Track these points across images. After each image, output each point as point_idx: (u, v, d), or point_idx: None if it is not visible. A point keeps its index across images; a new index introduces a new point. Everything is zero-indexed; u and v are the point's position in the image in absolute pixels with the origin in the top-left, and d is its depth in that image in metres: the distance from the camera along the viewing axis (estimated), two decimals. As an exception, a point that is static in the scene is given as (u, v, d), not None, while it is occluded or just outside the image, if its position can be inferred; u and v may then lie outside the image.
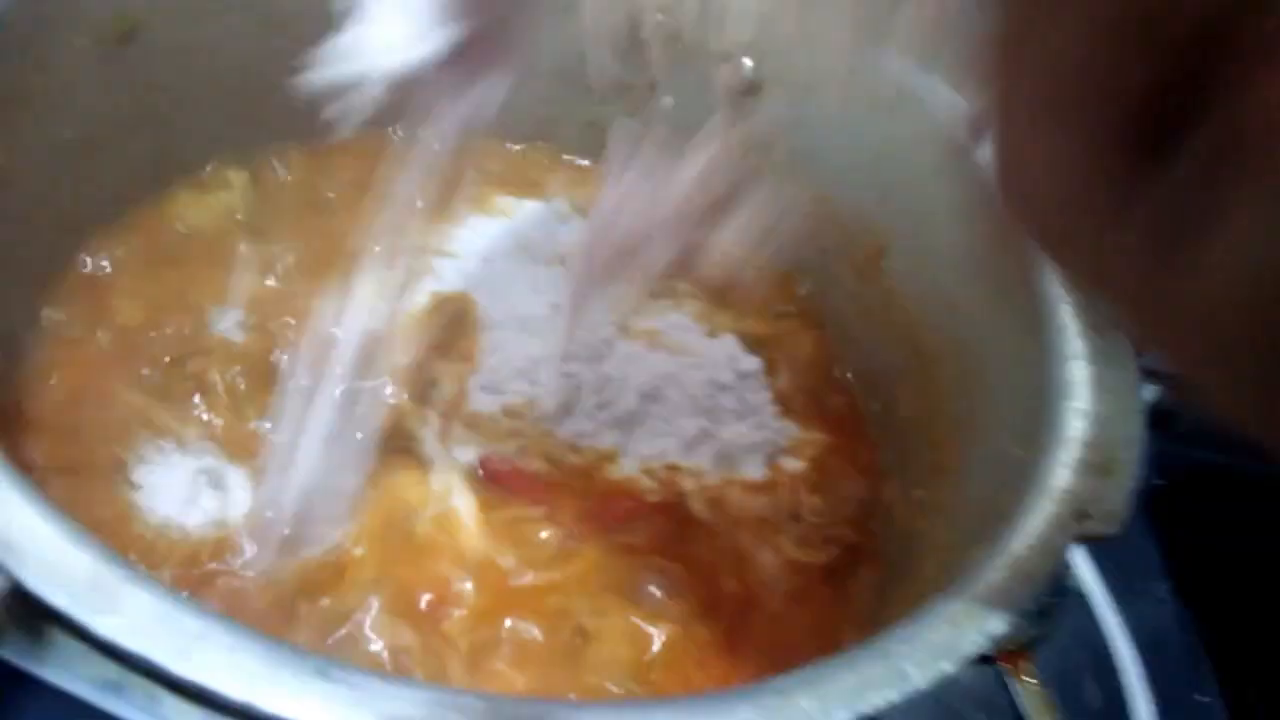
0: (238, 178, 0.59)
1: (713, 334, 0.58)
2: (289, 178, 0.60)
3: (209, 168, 0.59)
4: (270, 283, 0.55)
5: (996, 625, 0.31)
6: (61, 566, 0.26)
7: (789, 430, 0.56)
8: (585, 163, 0.68)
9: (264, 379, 0.49)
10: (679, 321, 0.57)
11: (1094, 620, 0.69)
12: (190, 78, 0.55)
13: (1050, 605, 0.64)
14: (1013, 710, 0.60)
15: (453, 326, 0.54)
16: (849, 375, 0.59)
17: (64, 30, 0.47)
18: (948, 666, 0.30)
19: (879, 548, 0.51)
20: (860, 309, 0.59)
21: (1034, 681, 0.60)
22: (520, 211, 0.63)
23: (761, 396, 0.56)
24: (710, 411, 0.54)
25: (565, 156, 0.68)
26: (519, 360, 0.52)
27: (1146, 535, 0.75)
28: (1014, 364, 0.45)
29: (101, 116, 0.51)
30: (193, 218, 0.56)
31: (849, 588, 0.50)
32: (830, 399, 0.58)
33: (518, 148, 0.68)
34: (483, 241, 0.61)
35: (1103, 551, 0.70)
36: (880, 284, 0.58)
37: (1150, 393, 0.88)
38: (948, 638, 0.30)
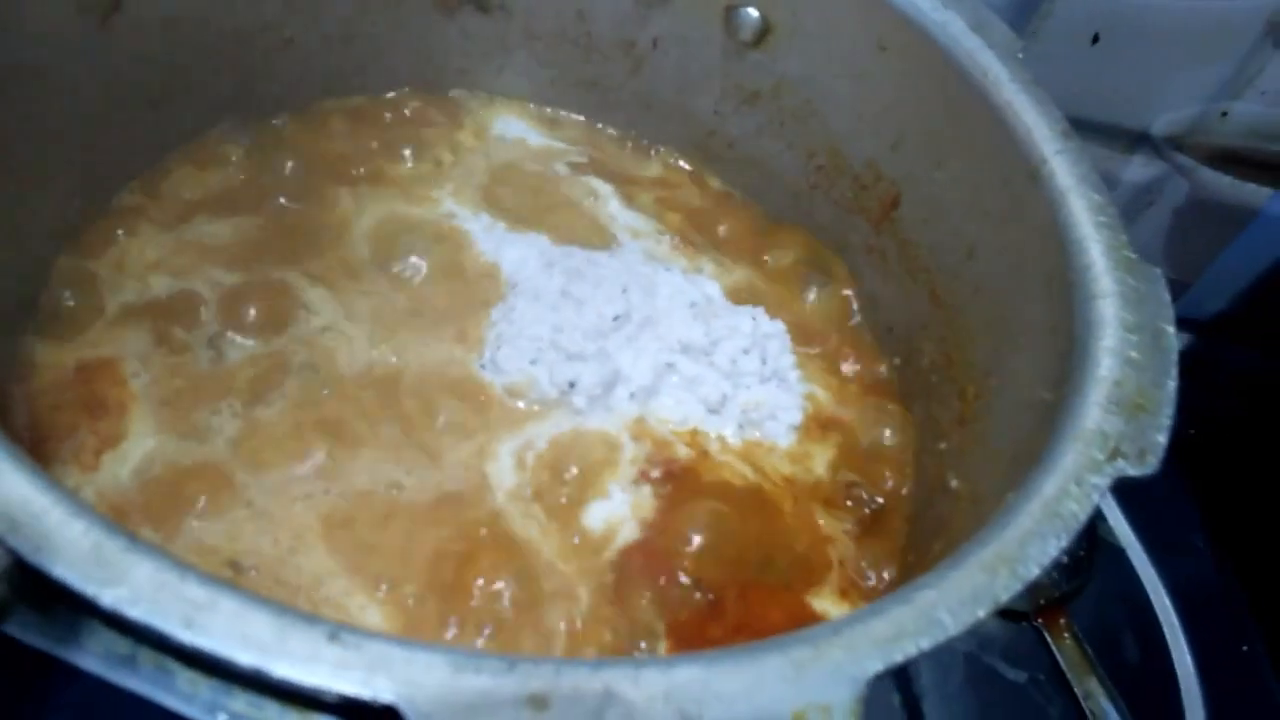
0: (235, 150, 0.58)
1: (735, 300, 0.57)
2: (285, 148, 0.59)
3: (206, 141, 0.57)
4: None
5: (1030, 569, 0.30)
6: (61, 539, 0.25)
7: (812, 391, 0.54)
8: (583, 120, 0.67)
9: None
10: (702, 289, 0.56)
11: (1131, 574, 0.68)
12: (182, 50, 0.54)
13: (1086, 559, 0.63)
14: (1051, 666, 0.60)
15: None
16: (869, 330, 0.58)
17: (49, 1, 0.46)
18: (981, 612, 0.29)
19: (906, 503, 0.50)
20: (875, 262, 0.58)
21: (1072, 637, 0.60)
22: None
23: (784, 360, 0.54)
24: (731, 376, 0.52)
25: (564, 114, 0.66)
26: (523, 340, 0.51)
27: (1181, 487, 0.74)
28: (1040, 305, 0.43)
29: (93, 90, 0.49)
30: (192, 192, 0.55)
31: (879, 545, 0.49)
32: (852, 356, 0.57)
33: (529, 104, 0.66)
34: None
35: (1138, 504, 0.69)
36: (895, 235, 0.56)
37: (1181, 341, 0.87)
38: (981, 583, 0.29)
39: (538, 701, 0.25)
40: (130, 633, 0.26)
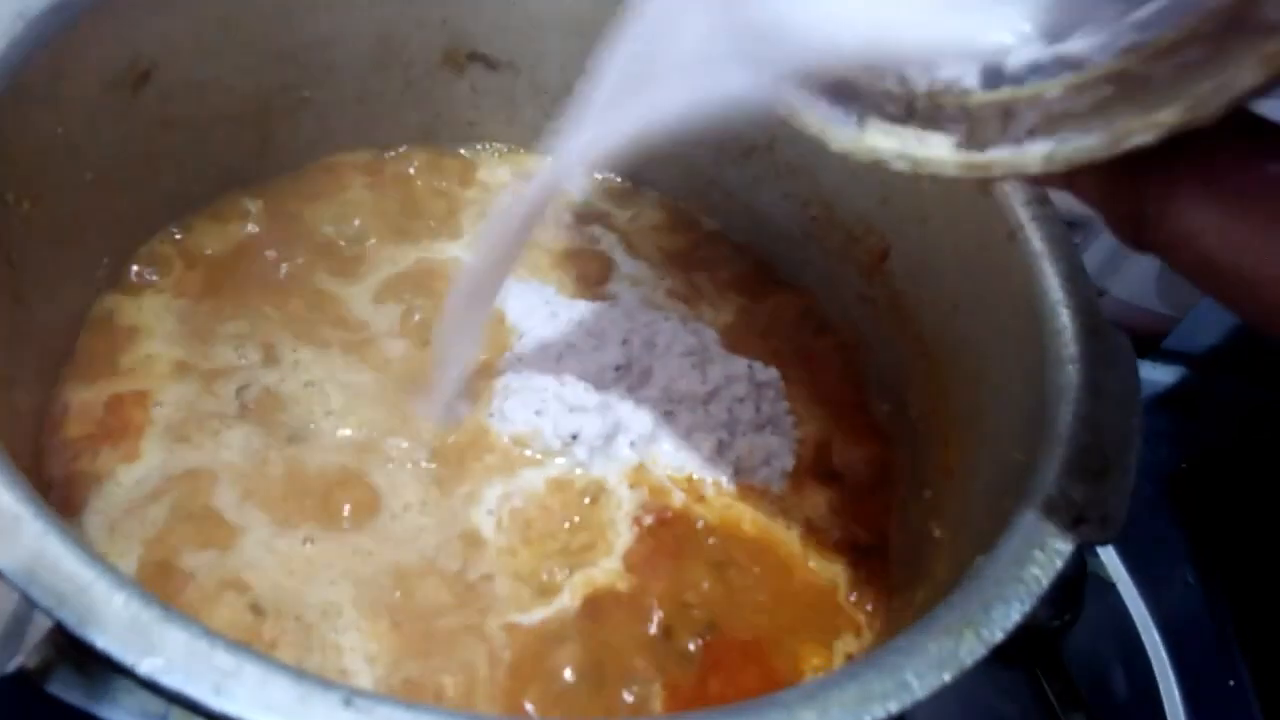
0: (254, 204, 0.61)
1: (731, 347, 0.59)
2: (302, 201, 0.62)
3: (227, 197, 0.60)
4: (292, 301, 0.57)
5: (994, 634, 0.32)
6: (105, 611, 0.28)
7: (805, 437, 0.57)
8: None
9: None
10: (700, 337, 0.58)
11: (1121, 609, 0.70)
12: (206, 113, 0.57)
13: (1076, 594, 0.65)
14: (1042, 701, 0.61)
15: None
16: (862, 377, 0.60)
17: (83, 76, 0.48)
18: (947, 676, 0.31)
19: (893, 550, 0.52)
20: (867, 311, 0.60)
21: (1062, 672, 0.62)
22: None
23: (779, 406, 0.57)
24: (728, 424, 0.55)
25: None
26: (529, 391, 0.54)
27: (1172, 520, 0.76)
28: (1015, 366, 0.45)
29: (122, 156, 0.52)
30: (214, 246, 0.58)
31: (867, 589, 0.51)
32: (844, 403, 0.59)
33: (537, 154, 0.69)
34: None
35: (1129, 538, 0.71)
36: (886, 285, 0.59)
37: (1174, 374, 0.89)
38: (948, 648, 0.32)
39: (536, 761, 0.27)
40: (163, 694, 0.29)
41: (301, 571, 0.46)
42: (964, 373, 0.51)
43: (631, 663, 0.44)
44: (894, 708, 0.30)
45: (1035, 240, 0.46)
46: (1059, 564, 0.34)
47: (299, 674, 0.28)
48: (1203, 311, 0.84)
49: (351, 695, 0.27)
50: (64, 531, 0.29)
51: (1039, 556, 0.34)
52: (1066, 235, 0.46)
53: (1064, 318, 0.43)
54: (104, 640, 0.27)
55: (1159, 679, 0.67)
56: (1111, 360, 0.41)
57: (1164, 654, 0.68)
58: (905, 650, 0.31)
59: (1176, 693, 0.66)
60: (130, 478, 0.48)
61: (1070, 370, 0.41)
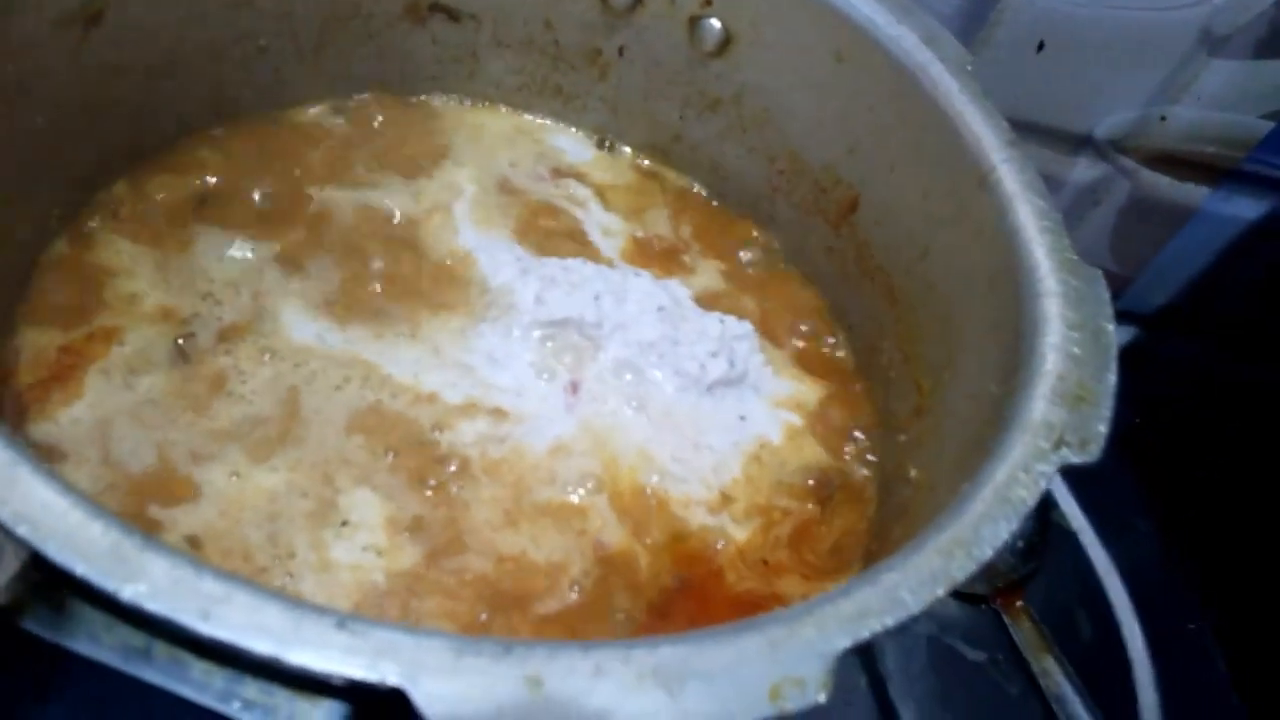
0: (211, 156, 0.59)
1: (704, 301, 0.59)
2: (260, 151, 0.60)
3: (183, 146, 0.58)
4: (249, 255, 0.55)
5: (984, 551, 0.32)
6: (81, 538, 0.27)
7: (780, 389, 0.57)
8: (555, 123, 0.68)
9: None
10: (671, 293, 0.58)
11: (1083, 556, 0.71)
12: (160, 60, 0.55)
13: (1040, 543, 0.66)
14: (1009, 646, 0.63)
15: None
16: (833, 326, 0.60)
17: (33, 14, 0.46)
18: (940, 591, 0.31)
19: (870, 492, 0.53)
20: (837, 261, 0.60)
21: (1028, 618, 0.63)
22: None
23: (754, 360, 0.57)
24: (700, 379, 0.54)
25: (536, 118, 0.68)
26: (498, 348, 0.54)
27: (1128, 472, 0.78)
28: (988, 304, 0.46)
29: (73, 101, 0.50)
30: (170, 197, 0.56)
31: (842, 533, 0.51)
32: (817, 353, 0.59)
33: (501, 109, 0.68)
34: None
35: (1088, 490, 0.73)
36: (855, 236, 0.59)
37: (1126, 334, 0.91)
38: (939, 565, 0.32)
39: (534, 681, 0.27)
40: (145, 626, 0.28)
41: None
42: (934, 316, 0.51)
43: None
44: (890, 622, 0.30)
45: (1008, 182, 0.46)
46: (1043, 485, 0.35)
47: (290, 600, 0.27)
48: (1154, 274, 0.86)
49: (345, 619, 0.27)
50: (34, 460, 0.28)
51: (1023, 478, 0.35)
52: (1038, 177, 0.47)
53: (1038, 254, 0.44)
54: (84, 567, 0.26)
55: (1122, 623, 0.69)
56: (1084, 294, 0.42)
57: (1125, 598, 0.70)
58: (899, 569, 0.31)
59: (1139, 635, 0.67)
60: (68, 417, 0.46)
61: (1046, 304, 0.42)
